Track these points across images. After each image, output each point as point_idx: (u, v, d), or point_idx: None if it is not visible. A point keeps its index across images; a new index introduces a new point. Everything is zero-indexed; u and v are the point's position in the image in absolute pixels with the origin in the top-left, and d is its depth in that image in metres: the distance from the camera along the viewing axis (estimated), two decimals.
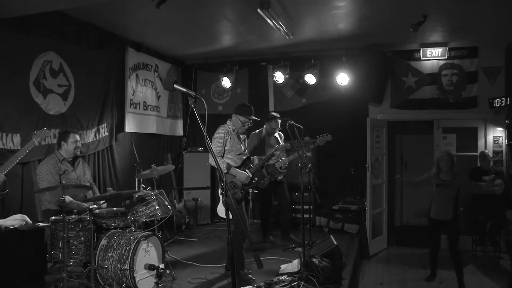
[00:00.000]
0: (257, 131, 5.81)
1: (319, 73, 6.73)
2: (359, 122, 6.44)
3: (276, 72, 6.85)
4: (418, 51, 6.61)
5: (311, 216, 6.32)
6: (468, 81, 6.47)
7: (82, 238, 3.58)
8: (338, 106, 6.89)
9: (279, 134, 5.81)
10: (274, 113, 5.62)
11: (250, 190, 4.40)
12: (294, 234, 5.87)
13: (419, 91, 6.62)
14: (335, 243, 4.37)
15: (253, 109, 4.35)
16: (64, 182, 4.01)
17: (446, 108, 6.53)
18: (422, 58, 6.59)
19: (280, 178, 5.72)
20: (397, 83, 6.72)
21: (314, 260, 4.06)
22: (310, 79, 6.74)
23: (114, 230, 3.90)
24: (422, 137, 7.45)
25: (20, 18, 4.35)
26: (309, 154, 6.26)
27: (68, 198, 3.93)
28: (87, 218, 3.62)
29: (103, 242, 3.74)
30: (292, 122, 4.57)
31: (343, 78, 6.54)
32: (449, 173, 4.55)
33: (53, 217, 3.68)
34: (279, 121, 5.43)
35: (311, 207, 6.06)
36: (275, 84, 7.16)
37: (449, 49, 6.47)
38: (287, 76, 6.92)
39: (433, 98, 6.57)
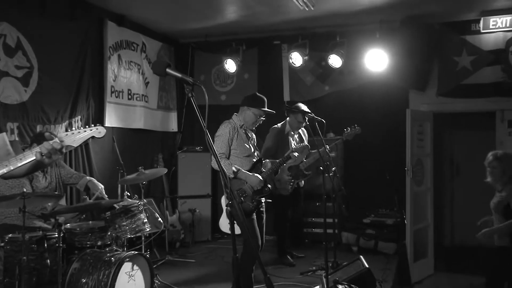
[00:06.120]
0: (279, 125, 5.83)
1: (346, 54, 6.64)
2: (396, 114, 6.35)
3: (292, 53, 6.79)
4: (477, 21, 6.39)
5: (336, 231, 6.36)
6: None
7: (48, 261, 3.54)
8: (370, 95, 6.83)
9: (302, 130, 5.88)
10: (300, 104, 5.66)
11: (263, 200, 4.40)
12: (315, 255, 6.00)
13: (476, 74, 6.41)
14: (367, 266, 4.33)
15: (266, 100, 4.43)
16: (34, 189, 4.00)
17: None
18: (483, 31, 6.37)
19: (302, 183, 5.81)
20: (447, 64, 6.56)
21: (340, 287, 4.01)
22: (335, 61, 6.65)
23: (90, 250, 3.87)
24: (479, 133, 7.33)
25: None
26: (333, 154, 6.25)
27: (51, 205, 3.93)
28: (55, 235, 3.57)
29: (75, 265, 3.69)
30: (313, 115, 4.72)
31: (376, 60, 6.46)
32: (500, 182, 4.32)
33: (10, 235, 3.62)
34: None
35: (336, 220, 6.14)
36: (291, 68, 7.06)
37: None
38: (306, 57, 6.82)
39: (496, 83, 6.38)
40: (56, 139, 2.37)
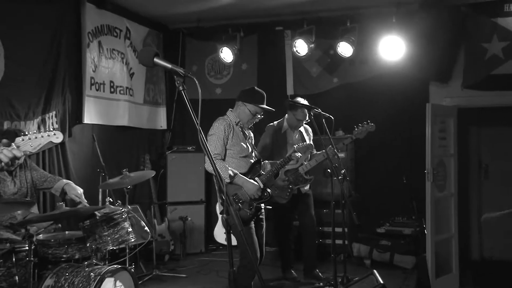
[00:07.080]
0: (275, 122, 5.82)
1: (358, 41, 6.64)
2: (415, 110, 6.38)
3: (296, 41, 6.78)
4: (511, 1, 6.33)
5: (346, 242, 6.25)
6: None
7: (16, 278, 3.49)
8: (384, 88, 6.81)
9: (305, 128, 5.85)
10: (299, 98, 5.59)
11: (263, 206, 4.43)
12: (322, 269, 5.89)
13: (509, 63, 6.35)
14: (381, 281, 4.29)
15: (265, 95, 4.44)
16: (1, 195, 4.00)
17: None
18: None
19: (306, 189, 5.73)
20: (475, 51, 6.51)
21: None
22: (345, 49, 6.67)
23: (65, 264, 3.82)
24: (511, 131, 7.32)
25: None
26: (342, 155, 6.28)
27: (21, 213, 3.94)
28: (25, 247, 3.53)
29: (49, 282, 3.63)
30: (319, 110, 4.65)
31: (392, 48, 6.44)
32: None
33: None
34: (306, 110, 5.43)
35: (346, 230, 6.08)
36: (296, 57, 7.11)
37: None
38: (312, 46, 6.84)
39: None
40: (14, 146, 2.50)
